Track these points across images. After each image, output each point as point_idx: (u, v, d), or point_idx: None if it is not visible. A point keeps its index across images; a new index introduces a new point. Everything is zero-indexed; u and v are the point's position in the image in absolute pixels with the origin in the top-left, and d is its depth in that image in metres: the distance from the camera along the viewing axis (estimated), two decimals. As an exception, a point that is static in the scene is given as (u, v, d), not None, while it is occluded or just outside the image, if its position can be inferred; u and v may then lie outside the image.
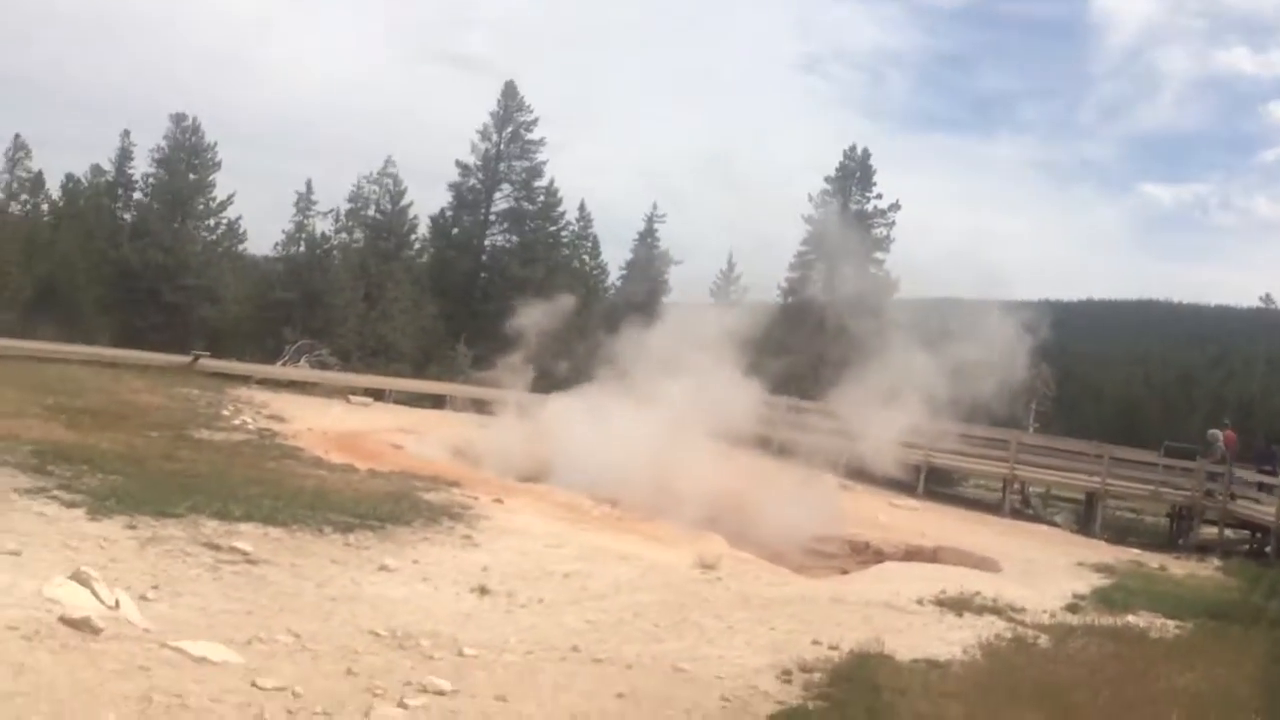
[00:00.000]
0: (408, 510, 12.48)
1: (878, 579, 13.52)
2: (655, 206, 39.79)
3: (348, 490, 13.18)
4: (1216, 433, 23.28)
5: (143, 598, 7.13)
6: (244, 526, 10.08)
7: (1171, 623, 12.93)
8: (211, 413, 17.77)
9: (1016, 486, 25.86)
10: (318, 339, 30.68)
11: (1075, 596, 13.86)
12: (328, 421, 19.85)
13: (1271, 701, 7.82)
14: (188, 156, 30.73)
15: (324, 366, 28.05)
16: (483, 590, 9.42)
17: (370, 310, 32.96)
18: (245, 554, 9.02)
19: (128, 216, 34.58)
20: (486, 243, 41.70)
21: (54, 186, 45.90)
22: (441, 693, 6.29)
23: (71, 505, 9.50)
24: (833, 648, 9.43)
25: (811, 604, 11.37)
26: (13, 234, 35.96)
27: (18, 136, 40.07)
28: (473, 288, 39.68)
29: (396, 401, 25.60)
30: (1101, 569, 16.85)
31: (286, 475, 13.40)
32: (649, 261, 38.81)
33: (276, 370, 25.12)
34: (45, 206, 47.53)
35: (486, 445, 21.30)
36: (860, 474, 23.20)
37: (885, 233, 33.67)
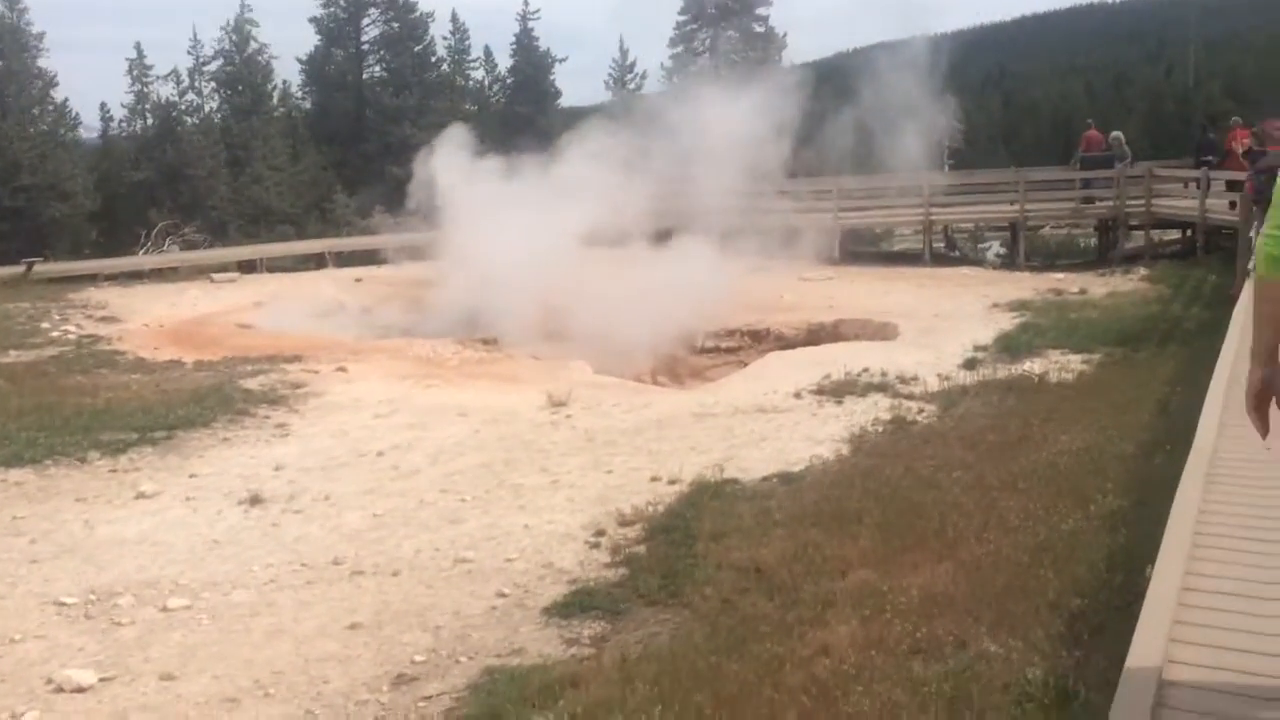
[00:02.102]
0: (215, 407, 11.01)
1: (753, 377, 12.28)
2: (526, 3, 36.51)
3: (151, 395, 11.67)
4: (1119, 134, 21.69)
5: None
6: (-24, 478, 8.62)
7: (1077, 359, 11.87)
8: (29, 328, 15.96)
9: (940, 231, 24.55)
10: (187, 216, 28.41)
11: (976, 349, 12.73)
12: (174, 311, 18.11)
13: (1142, 464, 6.62)
14: (-8, 42, 27.50)
15: (192, 246, 25.97)
16: (254, 501, 8.04)
17: (238, 175, 30.46)
18: (-49, 519, 7.59)
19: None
20: (365, 76, 38.61)
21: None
22: (80, 690, 4.97)
23: None
24: (673, 481, 8.23)
25: (668, 426, 10.11)
26: None
27: None
28: (360, 129, 36.92)
29: (271, 269, 23.67)
30: (1016, 307, 15.73)
31: (80, 391, 11.84)
32: (531, 66, 35.96)
33: (126, 262, 23.00)
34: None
35: (359, 302, 19.72)
36: (778, 251, 21.59)
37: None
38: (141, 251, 24.97)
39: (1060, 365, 11.50)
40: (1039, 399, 10.00)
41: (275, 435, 10.26)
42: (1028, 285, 18.16)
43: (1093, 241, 23.61)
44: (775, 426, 9.90)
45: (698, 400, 11.17)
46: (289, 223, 30.38)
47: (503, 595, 6.16)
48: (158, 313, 17.85)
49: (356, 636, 5.60)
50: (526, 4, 36.56)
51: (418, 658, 5.29)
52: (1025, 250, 21.67)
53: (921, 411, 10.05)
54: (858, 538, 6.24)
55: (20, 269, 20.79)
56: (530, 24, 36.44)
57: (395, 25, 37.03)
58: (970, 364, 11.96)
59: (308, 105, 38.33)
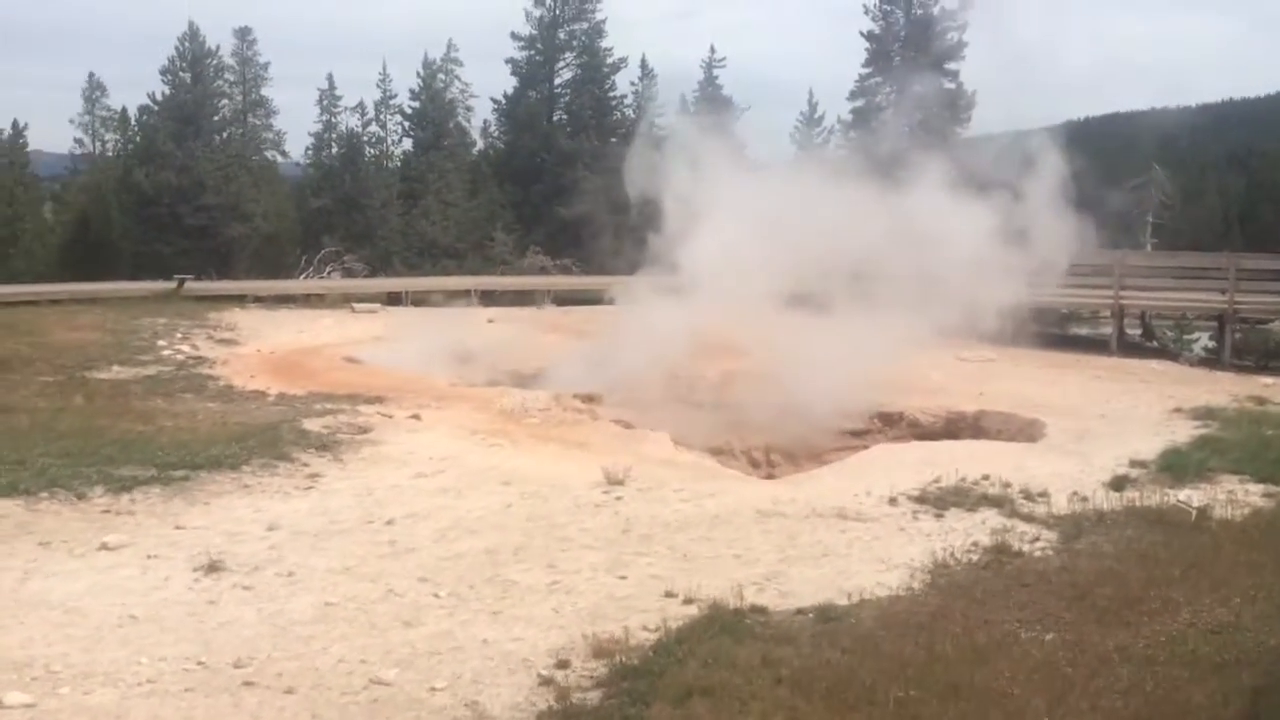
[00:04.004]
0: (256, 448, 10.28)
1: (849, 472, 10.57)
2: (713, 50, 35.80)
3: (207, 428, 11.11)
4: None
5: None
6: (-43, 507, 8.10)
7: (1258, 490, 9.65)
8: (146, 344, 16.00)
9: (1137, 316, 21.92)
10: (356, 245, 28.89)
11: (1133, 464, 10.58)
12: (297, 338, 17.94)
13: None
14: (190, 67, 28.92)
15: (351, 275, 26.25)
16: (212, 568, 7.11)
17: (411, 208, 30.82)
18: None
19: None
20: (556, 118, 38.77)
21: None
22: None
23: None
24: (688, 600, 6.79)
25: (723, 524, 8.62)
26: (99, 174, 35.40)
27: (92, 75, 39.48)
28: (541, 170, 37.03)
29: (418, 303, 23.50)
30: (1201, 414, 13.29)
31: (144, 417, 11.43)
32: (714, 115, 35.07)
33: (276, 285, 23.34)
34: (133, 145, 47.45)
35: (482, 344, 18.99)
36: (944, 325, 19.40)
37: (956, 37, 28.41)
38: (301, 276, 25.38)
39: (1231, 497, 9.32)
40: (1189, 540, 7.96)
41: (298, 487, 9.40)
42: (1225, 389, 15.56)
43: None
44: (848, 540, 8.25)
45: (771, 495, 9.61)
46: (452, 257, 30.49)
47: (392, 742, 4.91)
48: (279, 339, 17.70)
49: (173, 782, 4.46)
50: (713, 52, 35.88)
51: (212, 832, 4.10)
52: (1234, 347, 18.85)
53: (1035, 540, 8.18)
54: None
55: (171, 285, 21.30)
56: (715, 72, 35.66)
57: (582, 70, 37.05)
58: (1118, 483, 9.88)
59: (502, 145, 38.90)
